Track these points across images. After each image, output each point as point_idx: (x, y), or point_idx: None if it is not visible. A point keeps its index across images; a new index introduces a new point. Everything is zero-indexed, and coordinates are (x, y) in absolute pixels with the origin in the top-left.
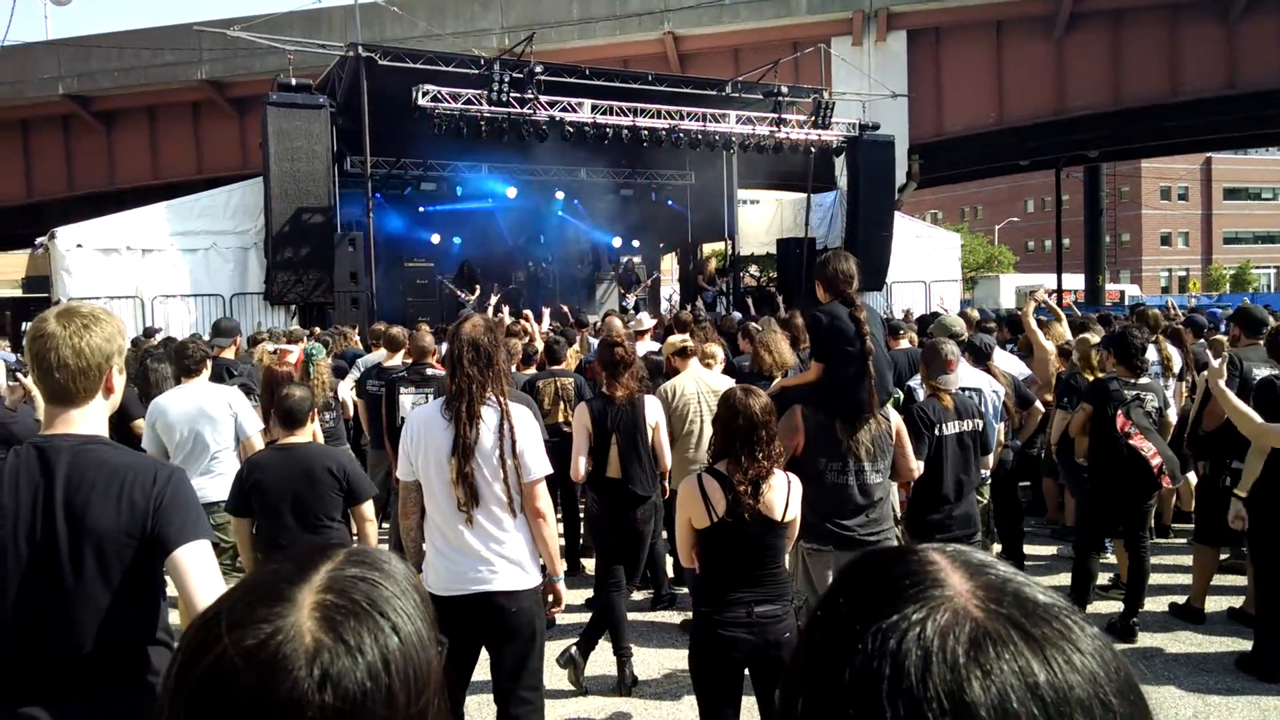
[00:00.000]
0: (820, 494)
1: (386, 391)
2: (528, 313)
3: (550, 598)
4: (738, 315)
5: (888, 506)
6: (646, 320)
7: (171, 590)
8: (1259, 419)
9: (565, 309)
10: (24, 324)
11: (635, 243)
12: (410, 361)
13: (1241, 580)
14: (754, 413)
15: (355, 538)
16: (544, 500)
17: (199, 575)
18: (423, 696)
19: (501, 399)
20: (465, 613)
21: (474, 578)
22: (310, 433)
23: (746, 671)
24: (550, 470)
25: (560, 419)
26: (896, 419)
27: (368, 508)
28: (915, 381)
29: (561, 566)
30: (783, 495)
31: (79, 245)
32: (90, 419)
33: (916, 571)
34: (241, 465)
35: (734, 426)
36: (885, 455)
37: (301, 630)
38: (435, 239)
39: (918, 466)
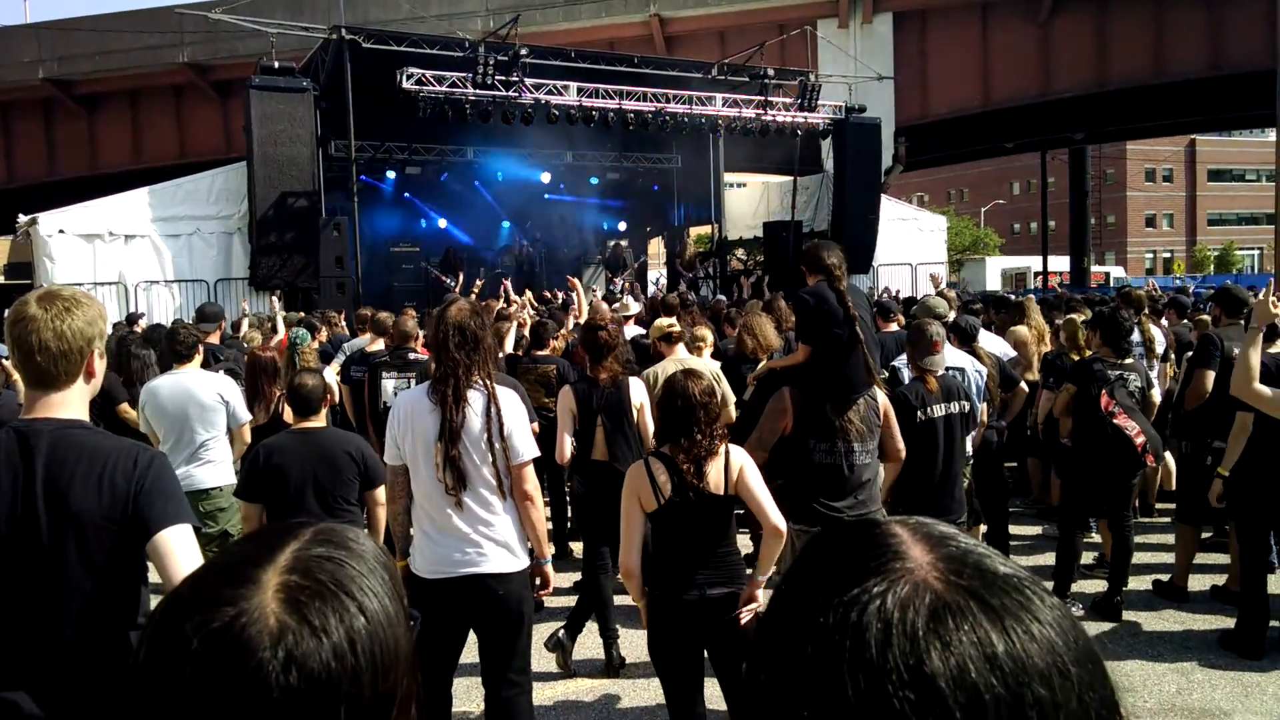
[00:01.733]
0: (808, 474)
1: (369, 376)
2: (511, 292)
3: (538, 580)
4: (722, 299)
5: (876, 487)
6: (633, 305)
7: (153, 576)
8: (1257, 380)
9: (547, 294)
10: (5, 310)
11: (622, 226)
12: (393, 346)
13: (1224, 558)
14: (692, 395)
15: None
16: (532, 483)
17: (181, 558)
18: (390, 675)
19: (488, 382)
20: (453, 595)
21: (462, 560)
22: (324, 418)
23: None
24: (538, 453)
25: (542, 403)
26: (884, 399)
27: (380, 492)
28: (901, 362)
29: (549, 550)
30: (720, 466)
31: (61, 231)
32: (71, 403)
33: (878, 544)
34: (255, 450)
35: (674, 409)
36: (873, 436)
37: (265, 612)
38: (421, 224)
39: (904, 448)
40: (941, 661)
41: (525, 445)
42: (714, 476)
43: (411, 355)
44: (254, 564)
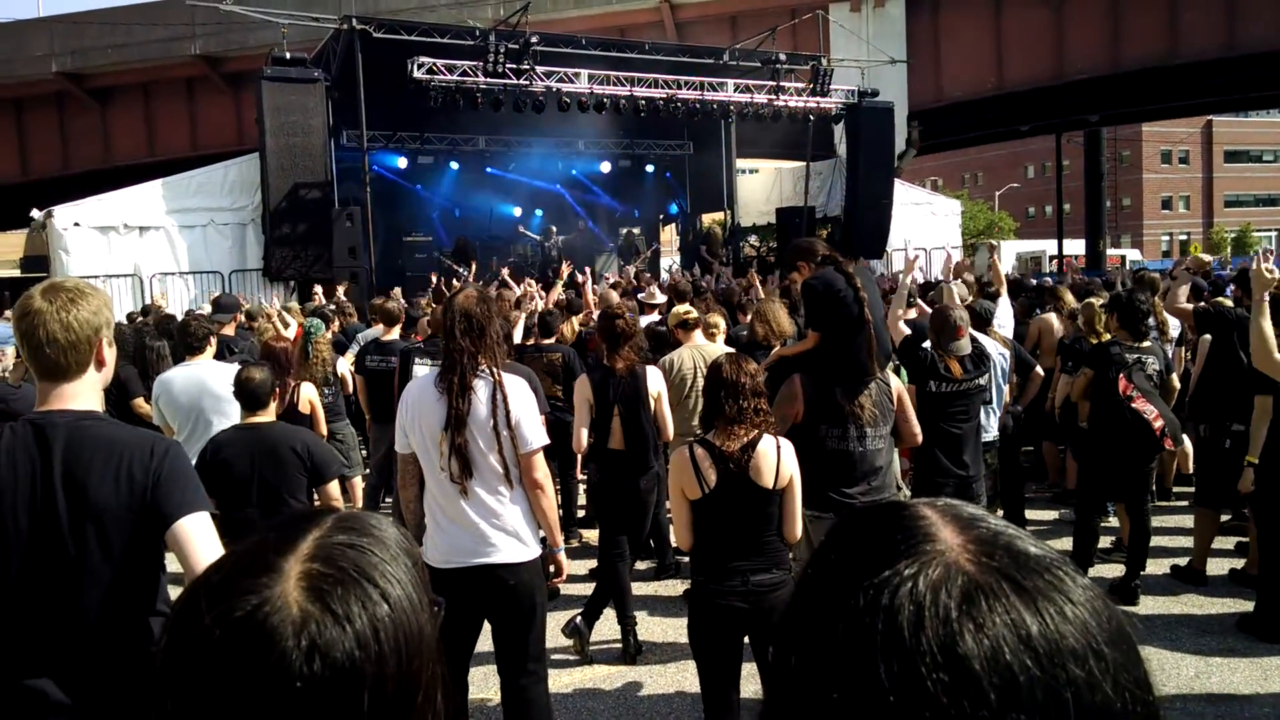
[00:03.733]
0: (820, 461)
1: (400, 363)
2: (521, 281)
3: (551, 569)
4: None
5: (889, 474)
6: (658, 295)
7: (172, 565)
8: (1275, 350)
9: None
10: None
11: (634, 213)
12: (429, 335)
13: (1227, 542)
14: (739, 380)
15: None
16: (542, 471)
17: (201, 546)
18: (414, 662)
19: (494, 370)
20: (466, 585)
21: (473, 550)
22: (273, 412)
23: (746, 639)
24: (547, 441)
25: (551, 391)
26: (898, 384)
27: (334, 487)
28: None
29: (562, 538)
30: (772, 462)
31: (76, 224)
32: (84, 393)
33: (908, 527)
34: (206, 445)
35: (720, 395)
36: (886, 421)
37: (288, 601)
38: (433, 213)
39: (920, 432)
40: (975, 643)
41: (533, 433)
42: (758, 466)
43: None
44: (275, 552)
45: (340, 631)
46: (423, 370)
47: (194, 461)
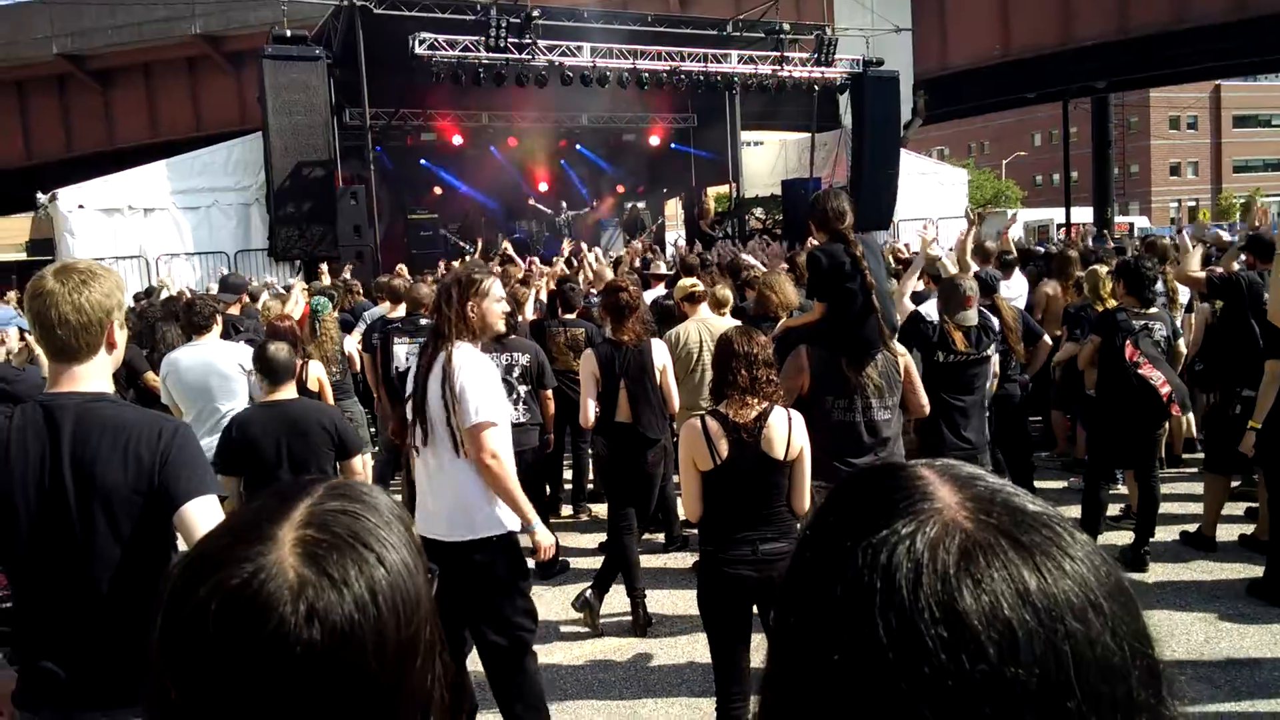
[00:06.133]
0: (828, 433)
1: (381, 343)
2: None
3: (530, 545)
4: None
5: (897, 444)
6: (663, 266)
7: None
8: None
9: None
10: None
11: (639, 188)
12: (406, 312)
13: (1250, 507)
14: (749, 352)
15: None
16: (489, 448)
17: (207, 529)
18: (412, 624)
19: (452, 342)
20: (432, 553)
21: (423, 518)
22: (294, 389)
23: (756, 609)
24: (492, 419)
25: (572, 366)
26: (906, 355)
27: (357, 462)
28: (928, 307)
29: (533, 514)
30: (783, 434)
31: (80, 206)
32: (94, 375)
33: (905, 486)
34: (229, 424)
35: (730, 367)
36: (893, 392)
37: (284, 567)
38: (437, 190)
39: (928, 403)
40: (974, 599)
41: (477, 408)
42: (769, 437)
43: (423, 321)
44: (269, 521)
45: (338, 595)
46: (402, 349)
47: (218, 441)
